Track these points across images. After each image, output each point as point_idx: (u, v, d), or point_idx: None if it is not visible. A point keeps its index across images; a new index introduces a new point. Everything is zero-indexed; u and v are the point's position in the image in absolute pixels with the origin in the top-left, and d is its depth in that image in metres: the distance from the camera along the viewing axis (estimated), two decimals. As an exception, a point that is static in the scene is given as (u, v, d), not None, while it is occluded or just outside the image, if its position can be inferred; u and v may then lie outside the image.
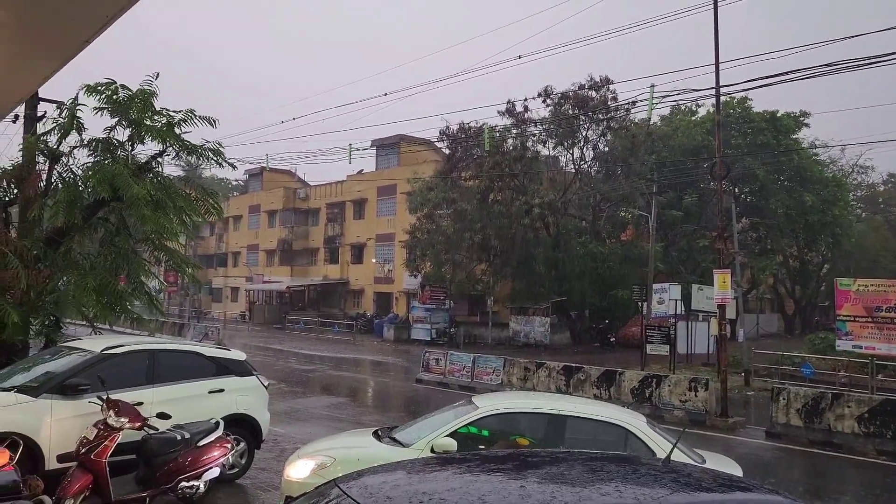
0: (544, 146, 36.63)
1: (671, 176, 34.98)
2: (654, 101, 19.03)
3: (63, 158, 11.51)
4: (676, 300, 25.79)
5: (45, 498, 5.79)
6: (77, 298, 10.71)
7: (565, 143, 36.31)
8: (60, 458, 6.86)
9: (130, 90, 10.85)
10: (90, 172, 10.66)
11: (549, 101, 34.17)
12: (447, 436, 6.20)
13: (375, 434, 6.92)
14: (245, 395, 9.04)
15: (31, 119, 13.13)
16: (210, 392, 8.69)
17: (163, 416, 7.28)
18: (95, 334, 11.95)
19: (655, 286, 27.27)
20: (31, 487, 5.83)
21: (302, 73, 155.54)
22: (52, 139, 11.52)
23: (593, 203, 36.87)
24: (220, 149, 11.79)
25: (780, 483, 10.20)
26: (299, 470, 6.32)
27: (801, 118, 39.37)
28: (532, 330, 34.56)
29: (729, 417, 14.97)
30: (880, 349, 16.78)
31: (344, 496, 2.54)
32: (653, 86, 19.00)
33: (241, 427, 8.84)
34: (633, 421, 6.51)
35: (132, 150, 11.29)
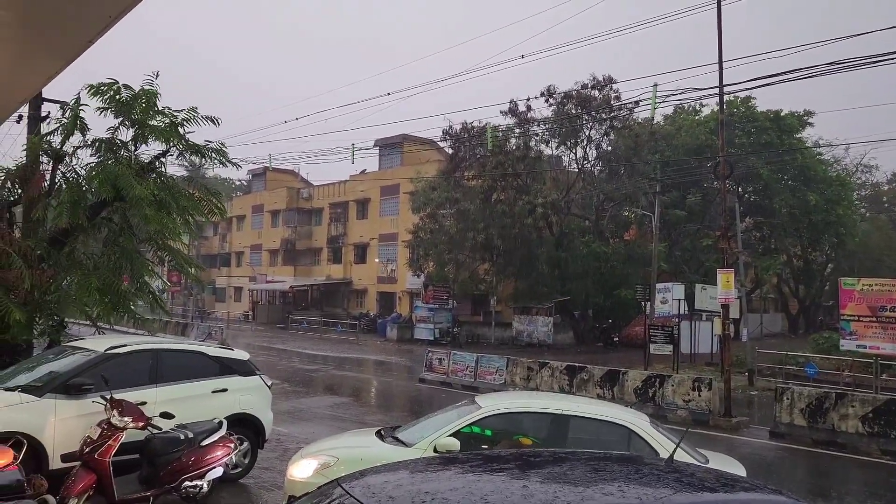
0: (547, 146, 36.64)
1: (674, 175, 34.94)
2: (657, 100, 19.01)
3: (67, 158, 11.53)
4: (680, 300, 25.75)
5: (49, 497, 5.80)
6: (79, 298, 10.72)
7: (568, 143, 36.29)
8: (64, 458, 6.88)
9: (133, 90, 10.87)
10: (94, 173, 10.68)
11: (551, 100, 34.19)
12: (450, 435, 6.20)
13: (378, 434, 6.92)
14: (248, 395, 9.05)
15: (35, 119, 13.15)
16: (213, 392, 8.70)
17: (166, 415, 7.29)
18: (99, 334, 11.98)
19: (659, 286, 27.24)
20: (35, 487, 5.84)
21: (302, 73, 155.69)
22: (56, 139, 11.54)
23: (596, 203, 36.84)
24: (224, 149, 11.80)
25: (784, 483, 10.18)
26: (302, 469, 6.33)
27: (805, 117, 39.30)
28: (535, 330, 34.54)
29: (732, 417, 14.95)
30: (884, 349, 16.72)
31: (347, 496, 2.54)
32: (656, 85, 19.01)
33: (245, 427, 8.85)
34: (637, 421, 6.51)
35: (136, 150, 11.31)
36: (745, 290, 25.12)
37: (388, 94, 26.49)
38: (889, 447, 12.26)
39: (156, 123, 10.98)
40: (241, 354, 9.52)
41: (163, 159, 11.49)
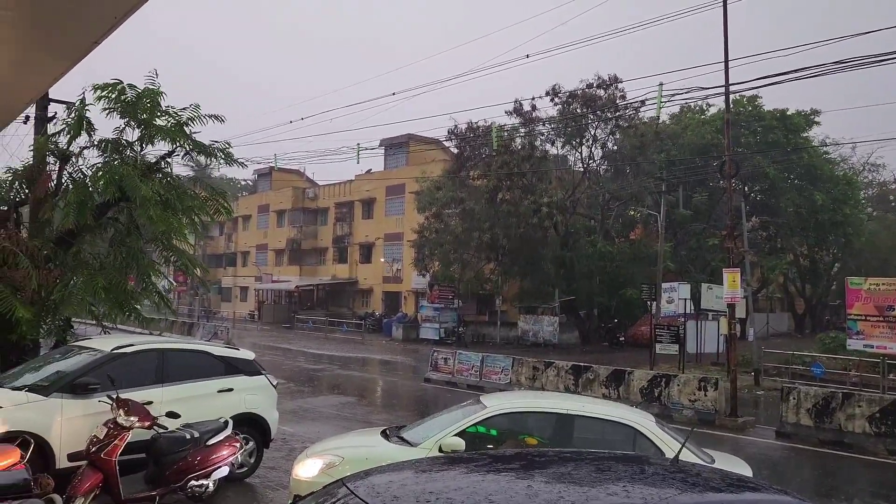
0: (553, 145, 36.60)
1: (680, 174, 34.83)
2: (663, 99, 18.97)
3: (73, 159, 11.57)
4: (686, 299, 25.70)
5: (56, 496, 5.82)
6: (81, 296, 10.75)
7: (574, 142, 36.24)
8: (71, 457, 6.90)
9: (138, 89, 10.89)
10: (99, 173, 10.71)
11: (556, 99, 34.12)
12: (455, 435, 6.20)
13: (384, 433, 6.92)
14: (254, 395, 9.07)
15: (42, 120, 13.20)
16: (219, 391, 8.72)
17: (172, 415, 7.32)
18: (105, 334, 12.01)
19: (664, 285, 27.18)
20: (42, 486, 5.86)
21: (302, 73, 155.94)
22: (63, 140, 11.58)
23: (602, 202, 36.77)
24: (229, 148, 11.83)
25: (790, 483, 10.15)
26: (308, 469, 6.34)
27: (812, 116, 39.13)
28: (541, 329, 34.51)
29: (738, 417, 14.91)
30: (892, 348, 16.65)
31: (351, 495, 2.54)
32: (661, 84, 19.00)
33: (250, 426, 8.87)
34: (642, 420, 6.49)
35: (142, 150, 11.34)
36: (751, 290, 25.00)
37: (394, 93, 26.55)
38: (896, 447, 12.21)
39: (162, 123, 11.01)
40: (246, 354, 9.55)
41: (168, 159, 11.53)
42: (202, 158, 12.58)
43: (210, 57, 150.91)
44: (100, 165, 11.06)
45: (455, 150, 38.32)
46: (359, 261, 50.14)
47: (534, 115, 34.50)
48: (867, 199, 51.49)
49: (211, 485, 7.22)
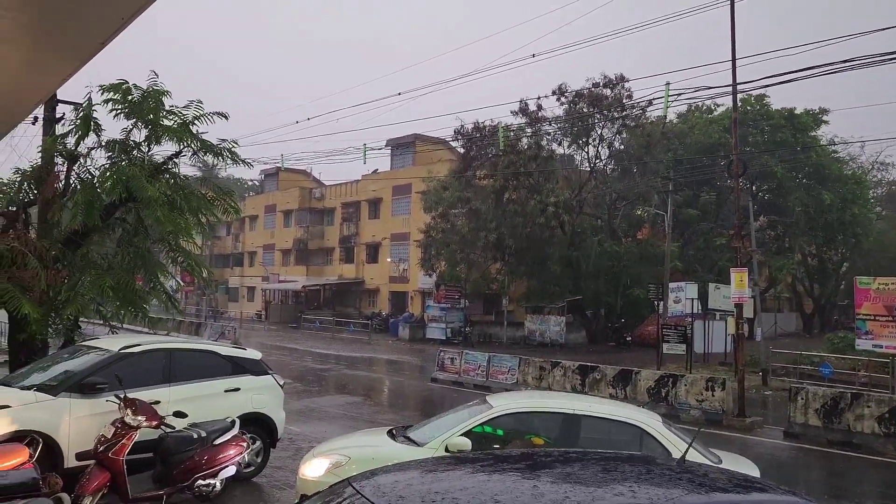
0: (559, 145, 36.55)
1: (687, 174, 34.74)
2: (670, 98, 18.92)
3: (81, 160, 11.62)
4: (693, 299, 25.61)
5: (64, 495, 5.86)
6: (89, 296, 10.79)
7: (580, 142, 36.19)
8: (79, 456, 6.93)
9: (142, 89, 10.94)
10: (107, 174, 10.76)
11: (563, 99, 34.11)
12: (461, 435, 6.20)
13: (390, 433, 6.93)
14: (261, 394, 9.09)
15: (50, 121, 13.25)
16: (226, 391, 8.75)
17: (179, 414, 7.34)
18: (113, 333, 12.07)
19: (672, 285, 27.11)
20: (50, 485, 5.89)
21: (302, 73, 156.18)
22: (71, 141, 11.63)
23: (609, 202, 36.70)
24: (235, 148, 11.85)
25: (798, 484, 10.11)
26: (314, 468, 6.35)
27: (820, 115, 38.94)
28: (547, 329, 34.47)
29: (746, 417, 14.85)
30: (901, 348, 16.54)
31: (357, 495, 2.54)
32: (668, 83, 18.93)
33: (257, 426, 8.89)
34: (649, 420, 6.48)
35: (149, 150, 11.38)
36: (758, 290, 24.93)
37: (399, 93, 26.55)
38: (905, 448, 12.14)
39: (168, 123, 11.04)
40: (253, 354, 9.57)
41: (176, 160, 11.56)
42: (209, 158, 12.60)
43: (210, 57, 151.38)
44: (107, 166, 11.11)
45: (461, 150, 38.32)
46: (365, 261, 50.20)
47: (540, 114, 34.48)
48: (876, 199, 51.18)
49: (218, 484, 7.25)
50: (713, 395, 15.21)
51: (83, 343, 9.40)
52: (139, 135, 11.23)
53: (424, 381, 20.99)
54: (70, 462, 7.18)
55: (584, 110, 33.99)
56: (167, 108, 11.04)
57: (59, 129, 12.73)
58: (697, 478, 2.85)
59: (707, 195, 36.81)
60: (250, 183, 74.04)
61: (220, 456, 7.31)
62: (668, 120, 36.21)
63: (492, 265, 36.84)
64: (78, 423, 7.35)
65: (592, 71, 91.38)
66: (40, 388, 7.56)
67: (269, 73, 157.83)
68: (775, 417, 15.65)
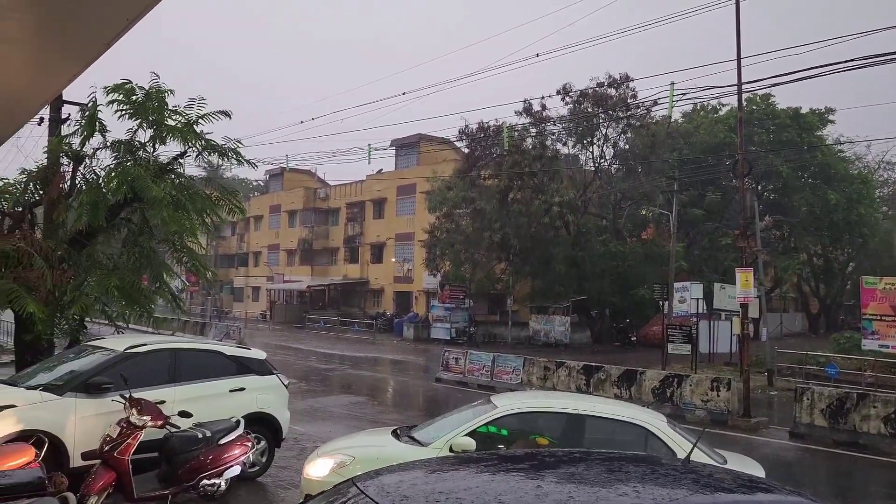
0: (564, 145, 36.52)
1: (693, 174, 34.65)
2: (675, 98, 18.88)
3: (86, 160, 11.66)
4: (698, 299, 25.54)
5: (70, 495, 5.86)
6: (94, 296, 10.82)
7: (585, 142, 36.15)
8: (85, 456, 6.95)
9: (145, 89, 10.97)
10: (112, 174, 10.79)
11: (567, 98, 34.08)
12: (466, 435, 6.19)
13: (394, 433, 6.93)
14: (265, 394, 9.10)
15: (56, 121, 13.29)
16: (231, 391, 8.76)
17: (184, 414, 7.36)
18: (118, 333, 12.10)
19: (677, 285, 27.04)
20: (56, 484, 5.91)
21: (302, 73, 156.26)
22: (76, 141, 11.67)
23: (613, 201, 36.64)
24: (240, 148, 11.88)
25: (804, 484, 10.07)
26: (319, 468, 6.35)
27: (826, 115, 38.80)
28: (552, 329, 34.44)
29: (751, 417, 14.81)
30: (907, 349, 16.49)
31: (361, 495, 2.54)
32: (673, 83, 18.90)
33: (262, 425, 8.91)
34: (654, 421, 6.46)
35: (154, 151, 11.41)
36: (764, 290, 24.83)
37: (404, 93, 26.55)
38: (912, 448, 12.08)
39: (172, 123, 11.07)
40: (258, 354, 9.58)
41: (181, 160, 11.59)
42: (214, 158, 12.63)
43: (210, 57, 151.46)
44: (112, 166, 11.15)
45: (466, 150, 38.33)
46: (370, 261, 50.24)
47: (544, 114, 34.46)
48: (882, 198, 50.96)
49: (223, 484, 7.26)
50: (718, 396, 15.17)
51: (88, 343, 9.43)
52: (144, 135, 11.28)
53: (429, 381, 20.99)
54: (76, 461, 7.20)
55: (589, 110, 33.95)
56: (170, 107, 11.07)
57: (65, 130, 12.78)
58: (702, 478, 2.84)
59: (712, 195, 36.71)
60: (255, 183, 74.23)
61: (225, 455, 7.32)
62: (673, 119, 36.14)
63: (496, 265, 36.82)
64: (83, 423, 7.38)
65: (596, 71, 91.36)
66: (46, 387, 7.59)
67: (269, 73, 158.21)
68: (781, 418, 15.60)
